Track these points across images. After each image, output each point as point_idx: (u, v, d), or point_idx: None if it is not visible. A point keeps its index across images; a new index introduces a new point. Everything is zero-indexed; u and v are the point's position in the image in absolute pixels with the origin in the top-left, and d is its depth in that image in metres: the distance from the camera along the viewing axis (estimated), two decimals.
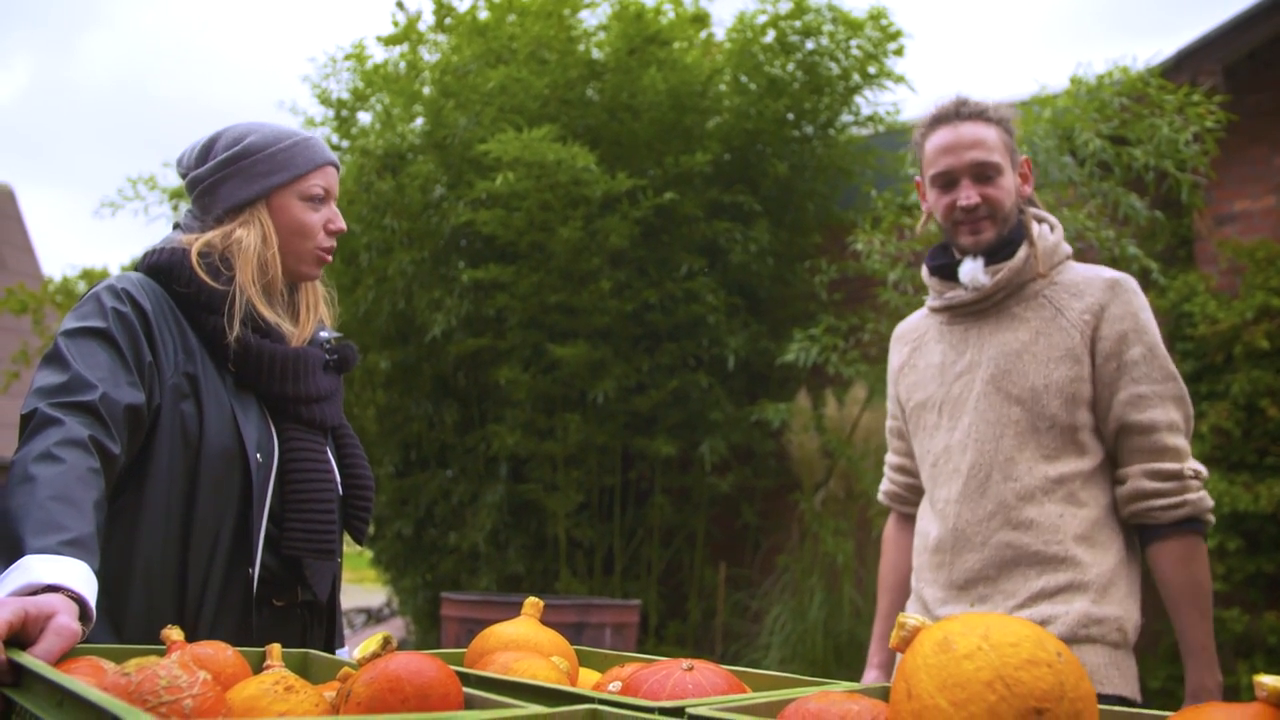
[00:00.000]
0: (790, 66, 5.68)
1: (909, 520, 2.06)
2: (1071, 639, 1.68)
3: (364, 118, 6.39)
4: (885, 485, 2.11)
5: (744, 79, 5.74)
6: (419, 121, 5.93)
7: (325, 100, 6.36)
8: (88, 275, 8.96)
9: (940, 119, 1.84)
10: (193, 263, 1.47)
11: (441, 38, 6.31)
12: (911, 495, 2.05)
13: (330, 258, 1.60)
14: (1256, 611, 4.34)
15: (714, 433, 5.45)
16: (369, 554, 7.10)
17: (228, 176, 1.54)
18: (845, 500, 5.18)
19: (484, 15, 6.01)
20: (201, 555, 1.39)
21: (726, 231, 5.51)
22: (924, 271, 1.94)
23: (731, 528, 6.07)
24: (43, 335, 7.25)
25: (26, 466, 1.20)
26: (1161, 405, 1.74)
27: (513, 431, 5.50)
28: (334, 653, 1.57)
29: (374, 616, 8.01)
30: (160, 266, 1.49)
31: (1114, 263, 4.20)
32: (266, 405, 1.51)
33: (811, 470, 5.16)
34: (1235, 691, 4.00)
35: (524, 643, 1.09)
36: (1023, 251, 1.80)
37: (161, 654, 0.98)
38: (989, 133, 1.81)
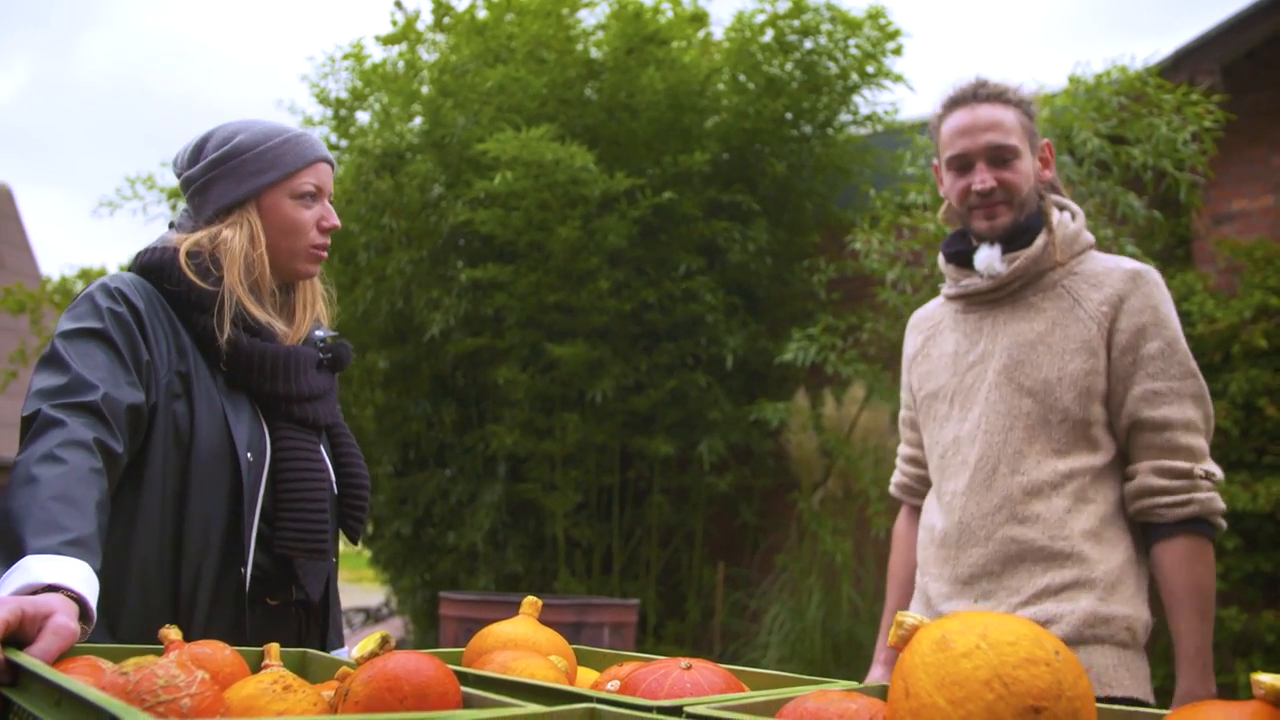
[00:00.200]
0: (788, 66, 5.69)
1: (920, 514, 1.99)
2: (1077, 640, 1.63)
3: (362, 117, 6.40)
4: (896, 477, 2.05)
5: (742, 78, 5.74)
6: (417, 121, 5.93)
7: (324, 99, 6.36)
8: (86, 275, 8.95)
9: (957, 101, 1.78)
10: (181, 263, 1.47)
11: (440, 37, 6.31)
12: (923, 488, 1.98)
13: (324, 255, 1.59)
14: (1254, 610, 4.35)
15: (712, 432, 5.45)
16: (368, 553, 7.10)
17: (219, 176, 1.54)
18: (843, 499, 5.18)
19: (482, 14, 6.01)
20: (194, 554, 1.39)
21: (725, 231, 5.51)
22: (940, 258, 1.90)
23: (730, 527, 6.07)
24: (40, 335, 7.25)
25: (29, 468, 1.20)
26: (1177, 402, 1.68)
27: (511, 431, 5.50)
28: (330, 652, 1.57)
29: (372, 616, 8.01)
30: (152, 266, 1.49)
31: None
32: (259, 404, 1.51)
33: (810, 470, 5.16)
34: (1233, 690, 4.00)
35: (522, 642, 1.09)
36: (1041, 239, 1.74)
37: (159, 653, 0.98)
38: (1007, 115, 1.75)
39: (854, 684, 0.91)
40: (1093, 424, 1.70)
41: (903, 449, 2.04)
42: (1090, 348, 1.70)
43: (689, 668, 0.91)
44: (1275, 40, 4.86)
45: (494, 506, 5.76)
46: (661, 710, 0.77)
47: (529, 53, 5.70)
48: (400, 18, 6.34)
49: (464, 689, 0.88)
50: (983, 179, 1.74)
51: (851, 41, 5.65)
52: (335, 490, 1.58)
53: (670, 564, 6.03)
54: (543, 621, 1.17)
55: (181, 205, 1.64)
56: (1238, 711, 0.67)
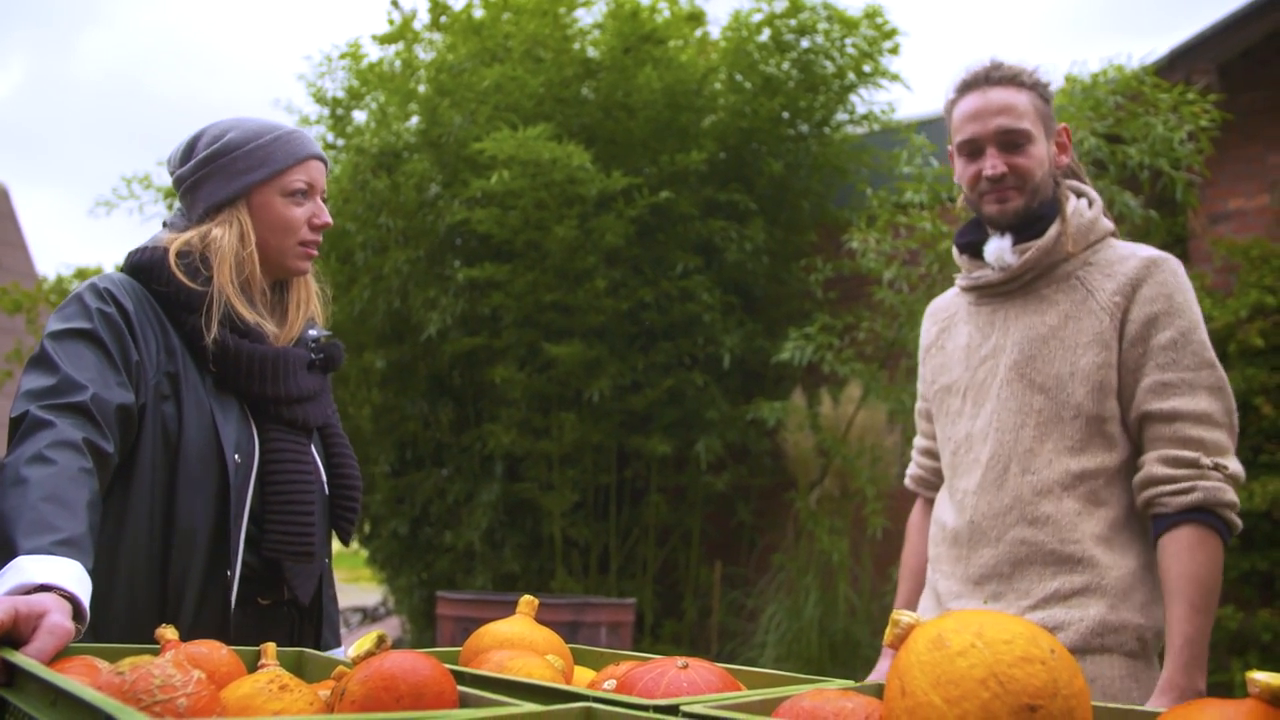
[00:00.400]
0: (785, 65, 5.69)
1: (934, 506, 1.94)
2: (1084, 649, 1.58)
3: (359, 116, 6.39)
4: (911, 469, 2.00)
5: (739, 77, 5.74)
6: (414, 120, 5.92)
7: (320, 99, 6.35)
8: (82, 274, 8.93)
9: (970, 84, 1.72)
10: (170, 263, 1.47)
11: (437, 36, 6.31)
12: (937, 480, 1.93)
13: (315, 252, 1.59)
14: (1250, 609, 4.36)
15: (709, 431, 5.45)
16: (365, 553, 7.10)
17: (209, 174, 1.53)
18: (840, 499, 5.18)
19: (479, 14, 6.00)
20: (182, 555, 1.39)
21: (722, 230, 5.51)
22: (954, 250, 1.85)
23: (727, 526, 6.07)
24: (37, 335, 7.23)
25: (18, 469, 1.20)
26: (1190, 394, 1.60)
27: (508, 430, 5.50)
28: (327, 651, 1.57)
29: (369, 615, 8.02)
30: (141, 266, 1.49)
31: None
32: (248, 406, 1.50)
33: (807, 469, 5.17)
34: (1229, 689, 4.01)
35: (519, 641, 1.09)
36: (1054, 229, 1.68)
37: (156, 653, 0.98)
38: (1019, 98, 1.69)
39: (850, 683, 0.91)
40: (1107, 420, 1.64)
41: (918, 441, 1.99)
42: (1102, 340, 1.64)
43: (685, 667, 0.91)
44: (1271, 39, 4.87)
45: (491, 506, 5.76)
46: (658, 709, 0.77)
47: (526, 52, 5.70)
48: (397, 17, 6.33)
49: (460, 688, 0.88)
50: (993, 164, 1.68)
51: (848, 41, 5.65)
52: (326, 491, 1.58)
53: (667, 563, 6.03)
54: (540, 621, 1.17)
55: (177, 205, 1.64)
56: (1233, 710, 0.67)
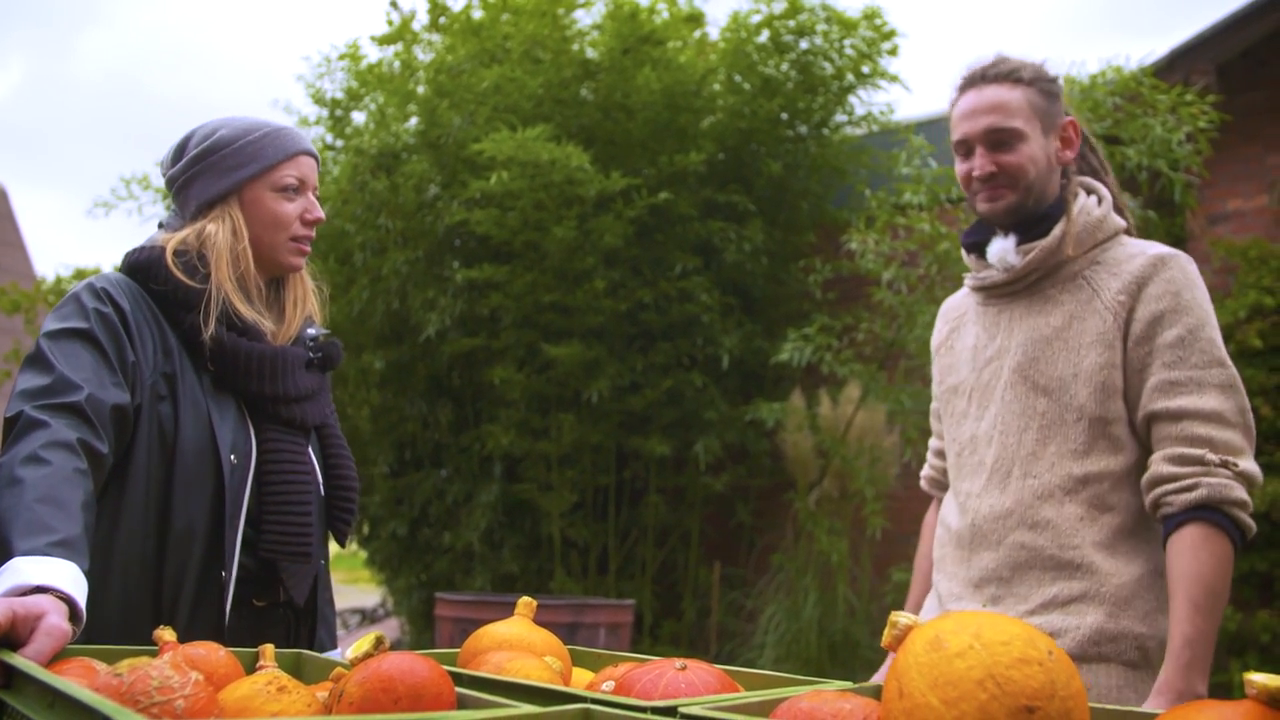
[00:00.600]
0: (784, 66, 5.69)
1: None
2: (1081, 657, 1.55)
3: (358, 117, 6.39)
4: (926, 470, 1.97)
5: (738, 78, 5.74)
6: (413, 121, 5.92)
7: (319, 100, 6.35)
8: (80, 275, 8.92)
9: (967, 83, 1.71)
10: (168, 261, 1.46)
11: (436, 37, 6.31)
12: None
13: (308, 248, 1.58)
14: (1249, 610, 4.36)
15: (708, 432, 5.45)
16: (364, 554, 7.10)
17: (200, 172, 1.53)
18: (840, 499, 5.18)
19: (478, 15, 6.00)
20: (177, 556, 1.39)
21: (721, 231, 5.52)
22: (963, 250, 1.83)
23: (726, 527, 6.07)
24: (35, 335, 7.21)
25: (13, 470, 1.20)
26: (1197, 392, 1.56)
27: (507, 431, 5.50)
28: (324, 653, 1.57)
29: (368, 617, 8.01)
30: (139, 265, 1.49)
31: None
32: (246, 405, 1.50)
33: (806, 470, 5.17)
34: (1228, 690, 4.01)
35: (517, 642, 1.09)
36: (1058, 230, 1.65)
37: (153, 654, 0.98)
38: (1012, 95, 1.66)
39: (848, 684, 0.91)
40: (1112, 422, 1.60)
41: (933, 442, 1.97)
42: (1106, 340, 1.60)
43: (684, 668, 0.91)
44: (1270, 40, 4.87)
45: (490, 507, 5.76)
46: (656, 710, 0.77)
47: (525, 53, 5.70)
48: (396, 18, 6.34)
49: (458, 690, 0.88)
50: (980, 164, 1.66)
51: (847, 42, 5.66)
52: (322, 492, 1.58)
53: (666, 564, 6.03)
54: (539, 622, 1.17)
55: (171, 205, 1.64)
56: (1230, 711, 0.67)
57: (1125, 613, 1.56)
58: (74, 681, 0.80)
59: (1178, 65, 4.82)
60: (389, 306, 5.85)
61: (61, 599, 1.07)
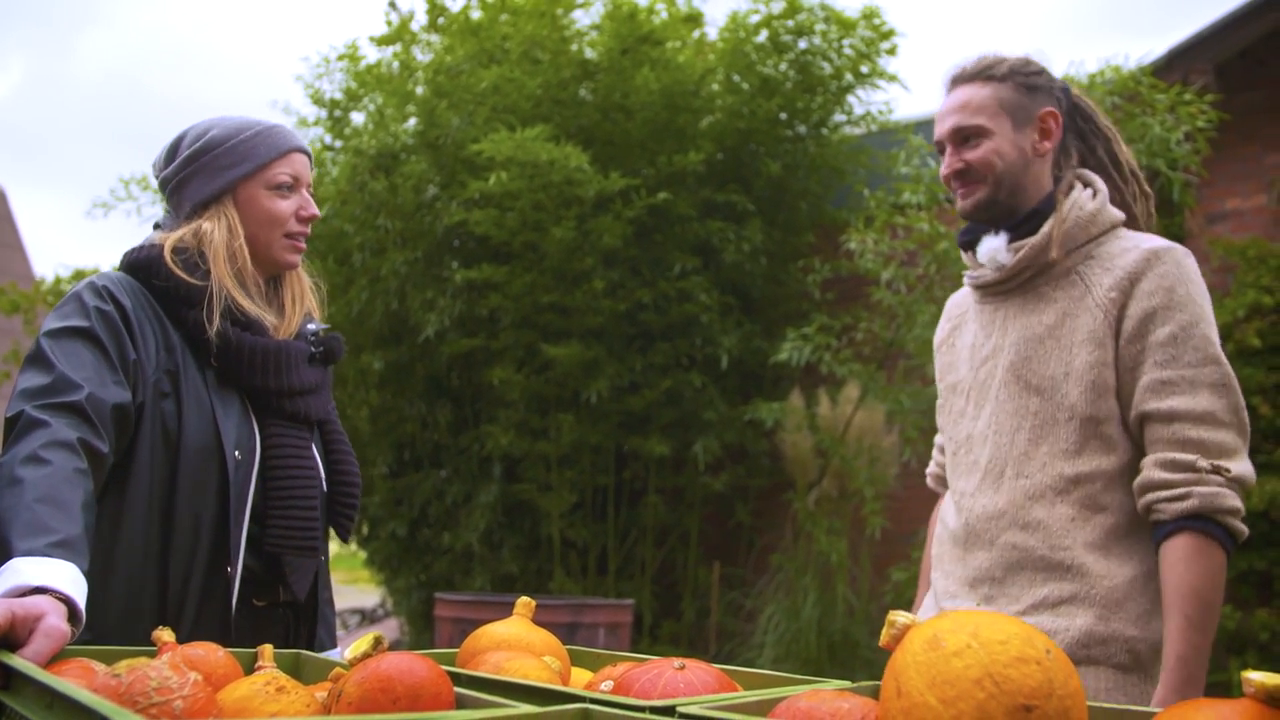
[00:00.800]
0: (783, 66, 5.69)
1: None
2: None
3: (357, 118, 6.39)
4: (931, 467, 1.96)
5: (736, 78, 5.74)
6: (412, 121, 5.92)
7: (318, 100, 6.35)
8: (80, 276, 8.93)
9: (948, 85, 1.73)
10: (167, 259, 1.46)
11: (434, 38, 6.31)
12: None
13: (304, 245, 1.58)
14: (1248, 609, 4.36)
15: (707, 432, 5.45)
16: (363, 554, 7.10)
17: (194, 173, 1.54)
18: (839, 499, 5.18)
19: (477, 15, 6.00)
20: (182, 555, 1.39)
21: (719, 231, 5.52)
22: (960, 248, 1.83)
23: (725, 527, 6.07)
24: (34, 336, 7.22)
25: (13, 469, 1.19)
26: (1190, 392, 1.53)
27: (506, 432, 5.50)
28: (323, 653, 1.57)
29: (368, 617, 8.02)
30: (139, 263, 1.48)
31: None
32: (249, 400, 1.50)
33: (805, 470, 5.17)
34: (1226, 688, 4.01)
35: (516, 642, 1.09)
36: (1047, 227, 1.64)
37: (152, 655, 0.98)
38: (981, 92, 1.66)
39: (847, 683, 0.91)
40: (1104, 421, 1.58)
41: (938, 439, 1.95)
42: (1096, 338, 1.58)
43: (682, 668, 0.91)
44: (1268, 39, 4.87)
45: (489, 507, 5.76)
46: (654, 710, 0.77)
47: (523, 53, 5.70)
48: (395, 18, 6.34)
49: (457, 690, 0.88)
50: (948, 162, 1.69)
51: (846, 41, 5.66)
52: (325, 488, 1.57)
53: (665, 564, 6.03)
54: (538, 622, 1.17)
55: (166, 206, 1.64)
56: (1229, 710, 0.67)
57: (1116, 615, 1.55)
58: (72, 682, 0.80)
59: (1176, 65, 4.82)
60: (388, 307, 5.85)
61: (61, 600, 1.07)
